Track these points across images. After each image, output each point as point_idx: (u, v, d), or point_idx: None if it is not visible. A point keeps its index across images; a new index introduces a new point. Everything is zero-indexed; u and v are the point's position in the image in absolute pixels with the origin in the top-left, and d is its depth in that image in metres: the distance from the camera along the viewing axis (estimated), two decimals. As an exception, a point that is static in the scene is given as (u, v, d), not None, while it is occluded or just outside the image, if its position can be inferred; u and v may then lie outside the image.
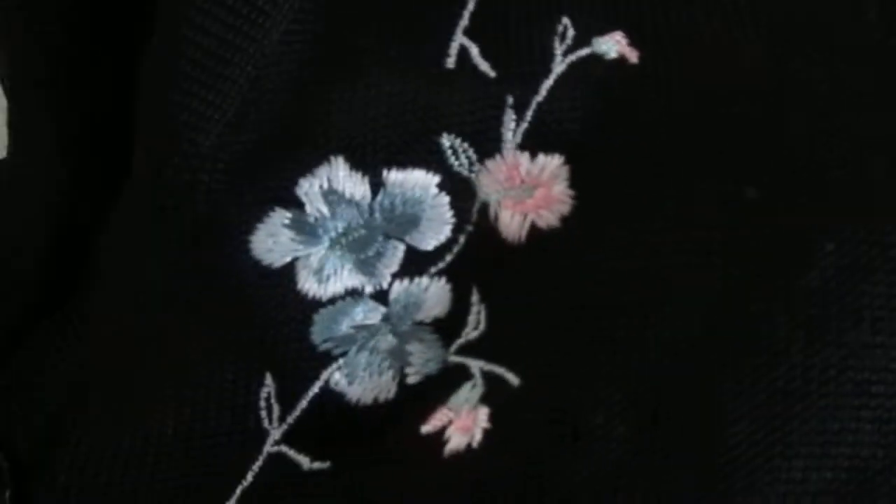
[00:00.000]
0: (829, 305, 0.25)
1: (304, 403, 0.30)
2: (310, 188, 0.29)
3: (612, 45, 0.30)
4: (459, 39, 0.30)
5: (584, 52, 0.30)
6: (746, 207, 0.26)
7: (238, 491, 0.30)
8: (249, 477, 0.30)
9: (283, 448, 0.30)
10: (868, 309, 0.25)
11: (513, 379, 0.28)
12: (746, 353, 0.25)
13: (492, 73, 0.30)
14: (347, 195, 0.30)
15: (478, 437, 0.28)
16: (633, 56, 0.30)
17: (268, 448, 0.30)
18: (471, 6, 0.31)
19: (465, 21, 0.31)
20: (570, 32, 0.30)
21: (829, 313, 0.25)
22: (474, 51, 0.30)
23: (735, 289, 0.26)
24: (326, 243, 0.30)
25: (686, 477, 0.25)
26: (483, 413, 0.28)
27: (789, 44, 0.28)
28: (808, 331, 0.25)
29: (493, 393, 0.28)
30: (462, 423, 0.28)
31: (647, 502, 0.25)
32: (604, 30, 0.30)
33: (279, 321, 0.29)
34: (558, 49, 0.30)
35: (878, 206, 0.25)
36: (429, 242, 0.30)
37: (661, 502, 0.25)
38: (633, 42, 0.30)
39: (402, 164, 0.29)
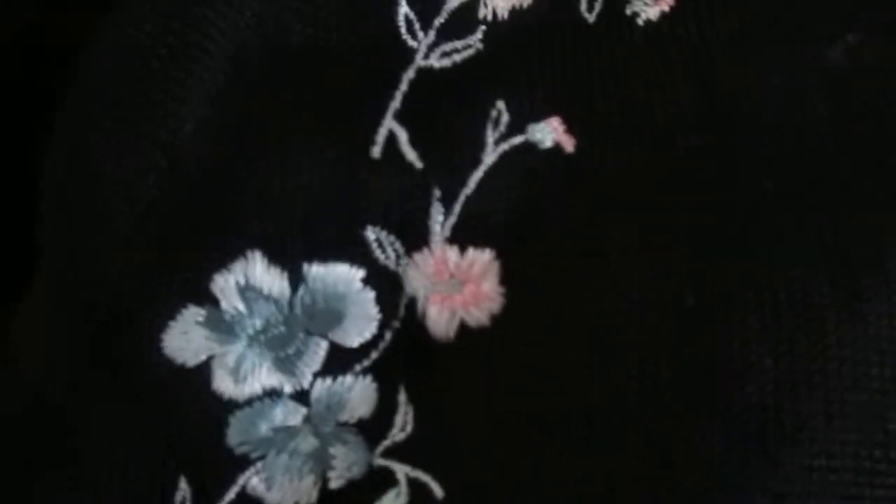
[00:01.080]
0: (766, 423, 0.24)
1: (220, 509, 0.28)
2: (225, 284, 0.28)
3: (548, 132, 0.29)
4: (389, 124, 0.29)
5: (517, 140, 0.29)
6: (686, 317, 0.25)
7: None
8: None
9: None
10: (806, 428, 0.24)
11: (437, 490, 0.27)
12: (683, 475, 0.24)
13: (419, 164, 0.28)
14: (265, 291, 0.28)
15: None
16: (568, 145, 0.28)
17: None
18: (404, 87, 0.29)
19: (396, 103, 0.29)
20: (505, 118, 0.29)
21: (765, 432, 0.24)
22: (403, 137, 0.29)
23: (681, 403, 0.24)
24: (244, 341, 0.28)
25: None
26: (404, 527, 0.27)
27: (735, 129, 0.27)
28: (743, 451, 0.24)
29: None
30: (383, 535, 0.27)
31: None
32: (540, 115, 0.29)
33: (193, 422, 0.28)
34: (490, 137, 0.29)
35: (819, 320, 0.24)
36: (353, 339, 0.28)
37: None
38: (571, 129, 0.29)
39: (324, 258, 0.28)
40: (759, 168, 0.26)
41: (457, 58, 0.30)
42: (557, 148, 0.28)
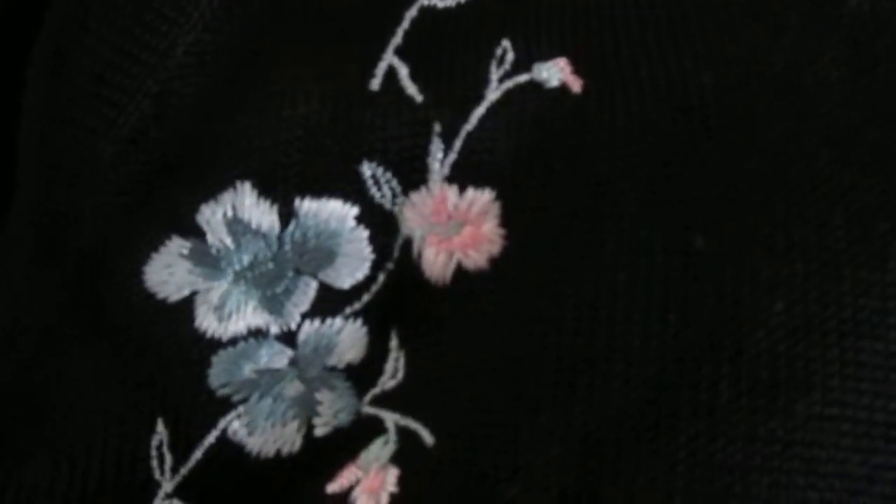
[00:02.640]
0: (777, 371, 0.23)
1: (198, 454, 0.27)
2: (212, 216, 0.26)
3: (555, 72, 0.28)
4: (389, 59, 0.28)
5: (522, 78, 0.27)
6: (695, 259, 0.24)
7: None
8: None
9: (175, 502, 0.27)
10: (819, 376, 0.23)
11: (427, 437, 0.25)
12: (685, 422, 0.23)
13: (419, 98, 0.27)
14: (254, 225, 0.27)
15: (383, 502, 0.25)
16: (576, 85, 0.27)
17: (158, 502, 0.27)
18: (406, 24, 0.28)
19: (398, 39, 0.28)
20: (510, 56, 0.28)
21: (776, 379, 0.23)
22: (403, 72, 0.27)
23: (684, 348, 0.23)
24: (229, 277, 0.27)
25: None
26: (392, 475, 0.25)
27: (747, 78, 0.26)
28: (752, 398, 0.23)
29: (406, 452, 0.26)
30: (370, 483, 0.26)
31: None
32: (547, 55, 0.28)
33: (173, 362, 0.27)
34: (494, 74, 0.27)
35: (834, 265, 0.23)
36: (344, 280, 0.27)
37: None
38: (578, 70, 0.27)
39: (317, 193, 0.27)
40: (771, 112, 0.25)
41: None
42: (564, 88, 0.27)
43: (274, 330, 0.27)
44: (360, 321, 0.27)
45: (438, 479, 0.24)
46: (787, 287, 0.23)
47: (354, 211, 0.27)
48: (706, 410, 0.23)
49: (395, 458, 0.26)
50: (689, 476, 0.23)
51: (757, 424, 0.23)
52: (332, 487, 0.26)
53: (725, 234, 0.24)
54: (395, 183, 0.27)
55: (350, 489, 0.26)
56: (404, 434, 0.26)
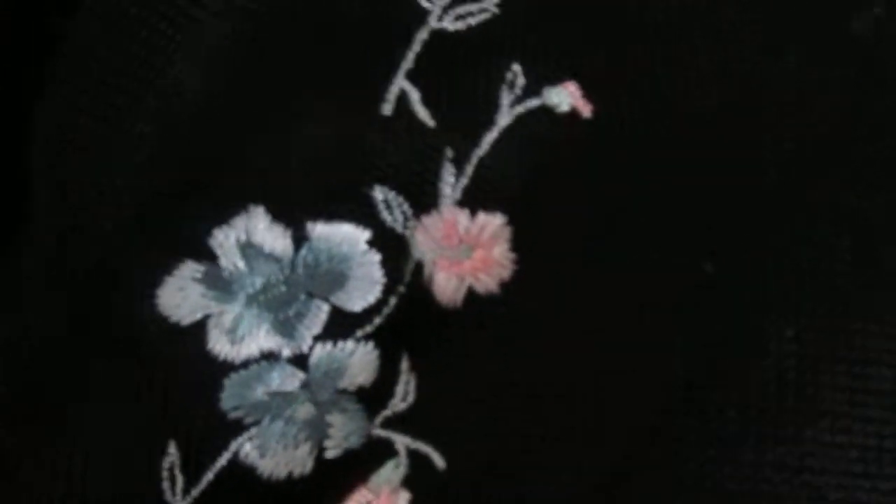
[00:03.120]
0: (785, 397, 0.23)
1: (210, 476, 0.27)
2: (225, 240, 0.27)
3: (565, 96, 0.28)
4: (400, 83, 0.28)
5: (533, 103, 0.28)
6: (705, 284, 0.24)
7: None
8: None
9: None
10: (828, 403, 0.23)
11: (438, 461, 0.26)
12: (694, 449, 0.23)
13: (431, 123, 0.27)
14: (267, 249, 0.27)
15: None
16: (586, 110, 0.27)
17: None
18: (416, 47, 0.28)
19: (408, 63, 0.28)
20: (520, 81, 0.28)
21: (785, 406, 0.23)
22: (414, 96, 0.28)
23: (694, 374, 0.23)
24: (242, 300, 0.27)
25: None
26: (403, 499, 0.25)
27: (754, 97, 0.26)
28: (760, 426, 0.23)
29: (417, 476, 0.26)
30: (381, 507, 0.26)
31: None
32: (557, 79, 0.28)
33: (186, 384, 0.27)
34: (505, 99, 0.28)
35: (843, 291, 0.23)
36: (356, 303, 0.27)
37: None
38: (588, 94, 0.28)
39: (329, 217, 0.27)
40: (778, 132, 0.25)
41: (471, 21, 0.29)
42: (574, 113, 0.27)
43: (286, 353, 0.27)
44: (371, 344, 0.27)
45: (449, 503, 0.24)
46: (797, 313, 0.23)
47: (366, 235, 0.27)
48: (714, 438, 0.23)
49: (406, 482, 0.26)
50: (697, 501, 0.23)
51: (765, 452, 0.23)
52: (343, 510, 0.27)
53: (736, 259, 0.24)
54: (406, 207, 0.27)
55: (360, 512, 0.26)
56: (415, 457, 0.26)
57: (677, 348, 0.24)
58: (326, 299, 0.27)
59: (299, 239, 0.27)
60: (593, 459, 0.23)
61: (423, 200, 0.27)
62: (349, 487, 0.26)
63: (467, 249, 0.27)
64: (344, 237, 0.27)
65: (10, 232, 0.28)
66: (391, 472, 0.26)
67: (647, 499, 0.23)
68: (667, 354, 0.24)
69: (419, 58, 0.28)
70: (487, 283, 0.27)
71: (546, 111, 0.27)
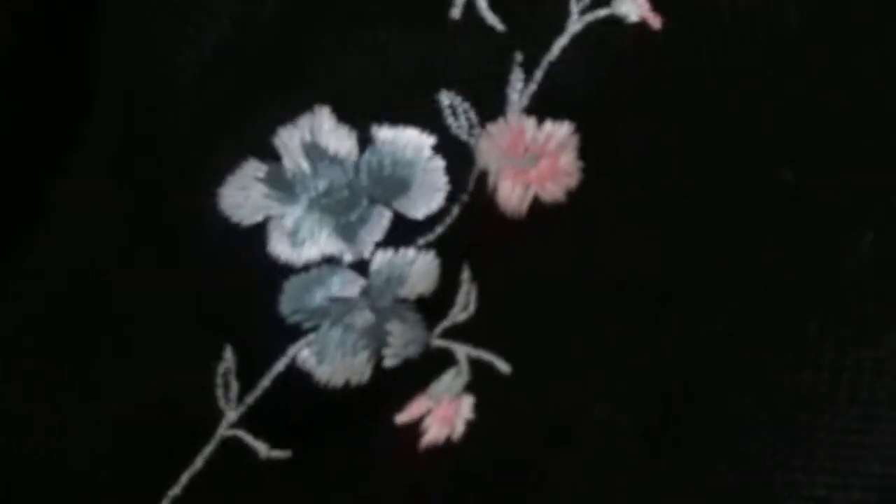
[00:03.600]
0: (865, 302, 0.22)
1: (266, 382, 0.27)
2: (289, 139, 0.26)
3: (634, 7, 0.27)
4: (468, -12, 0.28)
5: (602, 12, 0.27)
6: (783, 191, 0.23)
7: (185, 478, 0.27)
8: (199, 462, 0.27)
9: (240, 432, 0.27)
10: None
11: (503, 367, 0.25)
12: (772, 353, 0.22)
13: (500, 27, 0.27)
14: (331, 151, 0.26)
15: (459, 428, 0.25)
16: (655, 22, 0.27)
17: (222, 431, 0.27)
18: None
19: None
20: None
21: (865, 311, 0.22)
22: (482, 2, 0.27)
23: (773, 281, 0.23)
24: (304, 203, 0.27)
25: (694, 491, 0.22)
26: (467, 403, 0.25)
27: (833, 14, 0.26)
28: (840, 329, 0.22)
29: (480, 382, 0.25)
30: (442, 412, 0.25)
31: None
32: None
33: (244, 287, 0.26)
34: (575, 7, 0.27)
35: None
36: (418, 210, 0.27)
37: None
38: (657, 6, 0.27)
39: (395, 121, 0.26)
40: (858, 46, 0.25)
41: None
42: (643, 24, 0.27)
43: (347, 258, 0.27)
44: (432, 253, 0.27)
45: (518, 404, 0.24)
46: (876, 219, 0.23)
47: (431, 140, 0.27)
48: (793, 342, 0.23)
49: (470, 388, 0.25)
50: (774, 407, 0.22)
51: (845, 356, 0.22)
52: (402, 418, 0.26)
53: (814, 168, 0.24)
54: (472, 114, 0.27)
55: (420, 419, 0.26)
56: (476, 365, 0.26)
57: (756, 254, 0.23)
58: (389, 205, 0.27)
59: (364, 142, 0.26)
60: (668, 361, 0.23)
61: (490, 107, 0.26)
62: (408, 396, 0.26)
63: (533, 158, 0.27)
64: (408, 142, 0.27)
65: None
66: (452, 381, 0.26)
67: (725, 406, 0.23)
68: (745, 261, 0.23)
69: None
70: (554, 192, 0.26)
71: (615, 20, 0.27)
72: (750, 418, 0.22)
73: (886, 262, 0.23)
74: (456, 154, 0.27)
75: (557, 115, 0.27)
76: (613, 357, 0.23)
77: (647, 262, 0.24)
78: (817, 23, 0.26)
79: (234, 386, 0.27)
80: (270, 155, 0.26)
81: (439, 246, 0.27)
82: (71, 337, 0.27)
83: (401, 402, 0.26)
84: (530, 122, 0.27)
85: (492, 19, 0.27)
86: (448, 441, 0.25)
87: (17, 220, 0.28)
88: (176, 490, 0.26)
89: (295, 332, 0.27)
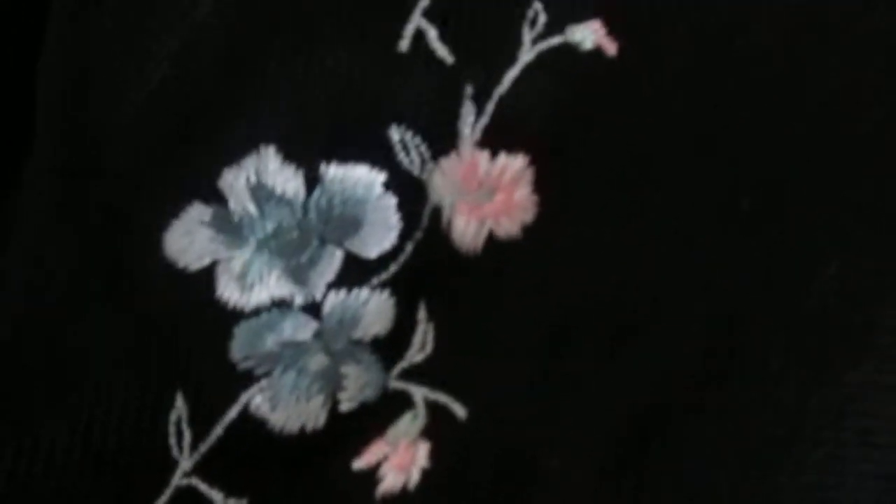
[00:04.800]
0: (829, 338, 0.22)
1: (218, 430, 0.26)
2: (235, 181, 0.25)
3: (589, 34, 0.26)
4: (417, 21, 0.27)
5: (555, 40, 0.26)
6: (742, 221, 0.23)
7: None
8: None
9: (194, 481, 0.26)
10: (874, 343, 0.22)
11: (459, 411, 0.24)
12: (736, 389, 0.22)
13: (450, 59, 0.26)
14: (278, 191, 0.26)
15: (415, 477, 0.24)
16: (611, 48, 0.26)
17: (176, 480, 0.26)
18: None
19: (424, 2, 0.27)
20: (542, 18, 0.27)
21: (827, 347, 0.22)
22: (432, 34, 0.26)
23: (734, 314, 0.22)
24: (252, 245, 0.26)
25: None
26: (423, 449, 0.24)
27: (793, 36, 0.25)
28: (803, 367, 0.22)
29: (437, 426, 0.25)
30: (399, 459, 0.25)
31: None
32: (580, 17, 0.27)
33: (194, 333, 0.26)
34: (527, 36, 0.26)
35: (891, 226, 0.22)
36: (371, 249, 0.26)
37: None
38: (613, 31, 0.26)
39: (344, 158, 0.26)
40: (819, 70, 0.24)
41: None
42: (598, 51, 0.26)
43: (298, 301, 0.26)
44: (387, 292, 0.26)
45: (473, 452, 0.23)
46: (841, 248, 0.22)
47: (382, 177, 0.26)
48: (755, 380, 0.22)
49: (426, 433, 0.25)
50: (738, 447, 0.22)
51: (808, 395, 0.22)
52: (359, 464, 0.25)
53: (775, 196, 0.23)
54: (424, 148, 0.26)
55: (377, 465, 0.25)
56: (434, 408, 0.25)
57: (716, 287, 0.23)
58: (340, 245, 0.26)
59: (312, 181, 0.26)
60: (627, 406, 0.22)
61: (442, 141, 0.26)
62: (365, 441, 0.25)
63: (488, 192, 0.26)
64: (358, 179, 0.26)
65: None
66: (409, 425, 0.25)
67: (685, 446, 0.22)
68: (703, 294, 0.23)
69: None
70: (509, 227, 0.26)
71: (569, 49, 0.26)
72: (712, 458, 0.22)
73: (850, 293, 0.22)
74: (408, 190, 0.26)
75: (511, 148, 0.26)
76: (567, 400, 0.23)
77: (603, 297, 0.24)
78: (779, 47, 0.25)
79: (187, 434, 0.26)
80: (215, 197, 0.26)
81: (394, 285, 0.26)
82: (15, 384, 0.27)
83: (358, 447, 0.25)
84: (483, 156, 0.26)
85: (441, 51, 0.26)
86: (404, 490, 0.24)
87: None
88: None
89: (247, 379, 0.26)
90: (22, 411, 0.26)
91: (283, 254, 0.26)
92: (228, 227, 0.26)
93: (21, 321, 0.27)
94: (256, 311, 0.26)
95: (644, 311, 0.23)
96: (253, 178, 0.26)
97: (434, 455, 0.24)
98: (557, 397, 0.23)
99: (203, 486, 0.26)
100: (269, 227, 0.26)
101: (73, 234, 0.26)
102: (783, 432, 0.22)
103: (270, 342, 0.26)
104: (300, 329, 0.26)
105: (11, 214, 0.28)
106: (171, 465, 0.26)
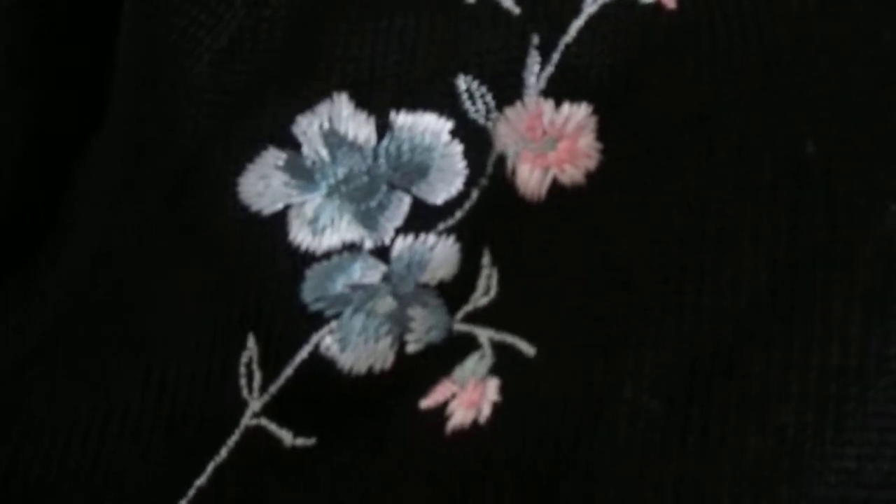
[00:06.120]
0: (892, 273, 0.22)
1: (289, 371, 0.27)
2: (308, 127, 0.26)
3: (649, -13, 0.27)
4: (482, -26, 0.28)
5: None
6: (806, 165, 0.23)
7: (210, 467, 0.27)
8: (224, 452, 0.27)
9: (264, 421, 0.27)
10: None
11: (527, 349, 0.25)
12: (799, 326, 0.22)
13: (516, 10, 0.27)
14: (350, 137, 0.27)
15: (486, 412, 0.25)
16: (670, 1, 0.27)
17: (246, 421, 0.27)
18: None
19: None
20: None
21: (891, 282, 0.22)
22: (498, -14, 0.27)
23: (797, 253, 0.23)
24: (324, 190, 0.27)
25: (724, 463, 0.22)
26: (493, 385, 0.25)
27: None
28: (867, 302, 0.22)
29: (505, 365, 0.25)
30: (468, 396, 0.25)
31: (679, 493, 0.22)
32: None
33: (266, 276, 0.26)
34: None
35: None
36: (438, 195, 0.27)
37: (695, 494, 0.22)
38: None
39: (413, 107, 0.27)
40: (876, 19, 0.25)
41: None
42: (658, 4, 0.27)
43: (368, 244, 0.27)
44: (452, 237, 0.27)
45: (544, 387, 0.24)
46: None
47: (449, 125, 0.27)
48: (820, 316, 0.23)
49: (495, 370, 0.25)
50: (803, 381, 0.22)
51: (872, 329, 0.22)
52: (426, 403, 0.26)
53: (836, 140, 0.24)
54: (489, 98, 0.27)
55: (445, 404, 0.26)
56: (500, 348, 0.26)
57: (780, 229, 0.23)
58: (408, 191, 0.27)
59: (382, 127, 0.27)
60: (693, 338, 0.23)
61: (507, 91, 0.27)
62: (432, 381, 0.26)
63: (552, 141, 0.27)
64: (427, 127, 0.27)
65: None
66: (476, 364, 0.26)
67: (751, 379, 0.23)
68: (768, 235, 0.23)
69: None
70: (573, 174, 0.26)
71: (630, 1, 0.27)
72: (778, 391, 0.22)
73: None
74: (474, 138, 0.27)
75: (575, 97, 0.27)
76: (636, 336, 0.23)
77: (667, 240, 0.24)
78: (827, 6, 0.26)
79: (258, 375, 0.27)
80: (289, 143, 0.26)
81: (459, 231, 0.27)
82: (94, 333, 0.27)
83: (425, 388, 0.26)
84: (548, 105, 0.27)
85: (507, 3, 0.27)
86: (475, 424, 0.25)
87: (36, 224, 0.28)
88: (202, 480, 0.26)
89: (317, 320, 0.27)
90: (95, 369, 0.27)
91: (353, 199, 0.27)
92: (301, 172, 0.26)
93: (98, 271, 0.28)
94: (327, 255, 0.27)
95: (708, 254, 0.24)
96: (326, 125, 0.26)
97: (504, 389, 0.25)
98: (625, 334, 0.24)
99: (272, 426, 0.27)
100: (341, 172, 0.27)
101: (147, 188, 0.27)
102: (848, 364, 0.22)
103: (340, 285, 0.27)
104: (369, 272, 0.27)
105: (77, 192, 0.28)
106: (241, 405, 0.27)
